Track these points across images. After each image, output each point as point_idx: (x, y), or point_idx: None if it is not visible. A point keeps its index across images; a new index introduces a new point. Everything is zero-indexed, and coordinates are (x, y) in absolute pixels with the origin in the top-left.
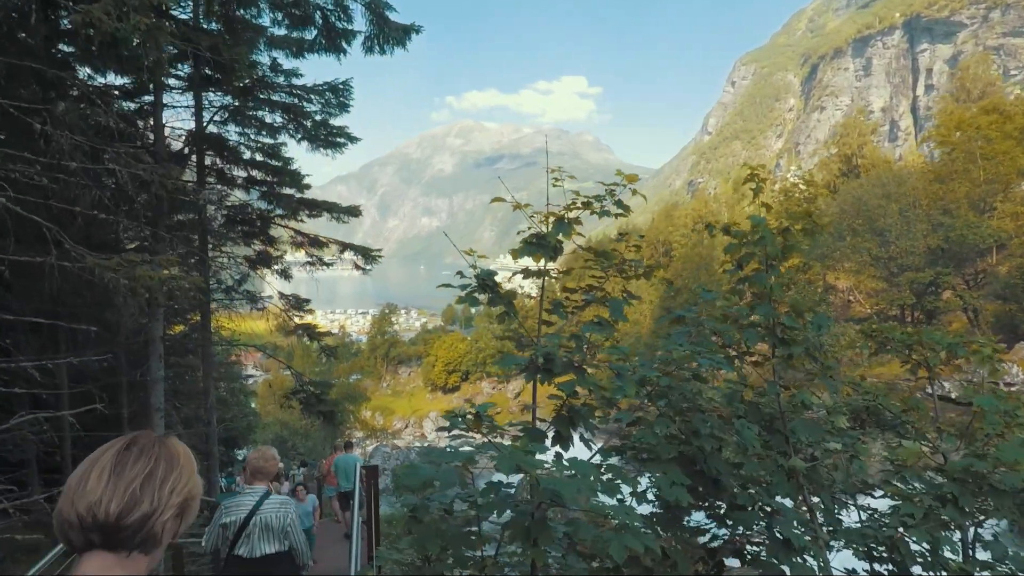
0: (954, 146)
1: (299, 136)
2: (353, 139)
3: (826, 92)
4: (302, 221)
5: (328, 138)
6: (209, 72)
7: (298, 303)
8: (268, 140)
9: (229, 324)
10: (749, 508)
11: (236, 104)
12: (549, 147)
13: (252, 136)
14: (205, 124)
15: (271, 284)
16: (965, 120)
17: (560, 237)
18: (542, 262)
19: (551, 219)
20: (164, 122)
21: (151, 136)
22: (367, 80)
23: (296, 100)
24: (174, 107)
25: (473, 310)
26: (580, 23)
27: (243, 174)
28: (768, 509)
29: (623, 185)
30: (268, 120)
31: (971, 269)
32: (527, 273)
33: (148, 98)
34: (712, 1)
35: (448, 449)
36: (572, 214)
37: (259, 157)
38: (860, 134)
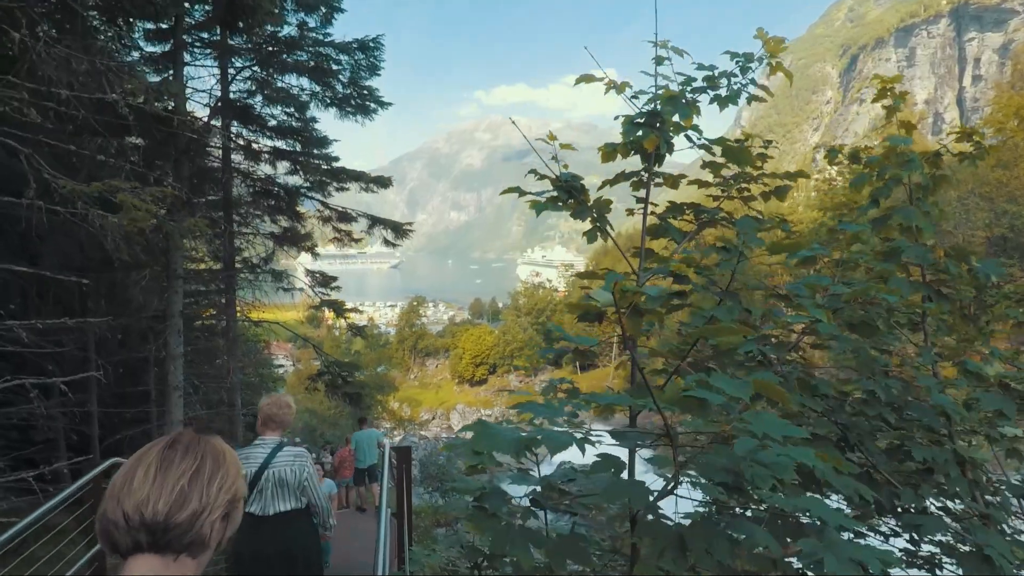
0: (1012, 134)
1: (327, 101)
2: (384, 103)
3: (866, 84)
4: (330, 195)
5: (358, 101)
6: (230, 18)
7: (325, 280)
8: (294, 112)
9: (257, 313)
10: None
11: (262, 73)
12: (578, 142)
13: (280, 108)
14: (231, 93)
15: (297, 261)
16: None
17: (677, 119)
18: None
19: (661, 97)
20: (186, 84)
21: (172, 104)
22: (397, 76)
23: (323, 61)
24: (197, 77)
25: (501, 304)
26: (608, 14)
27: (269, 144)
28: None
29: (764, 58)
30: (295, 87)
31: None
32: (620, 178)
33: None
34: None
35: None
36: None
37: (285, 121)
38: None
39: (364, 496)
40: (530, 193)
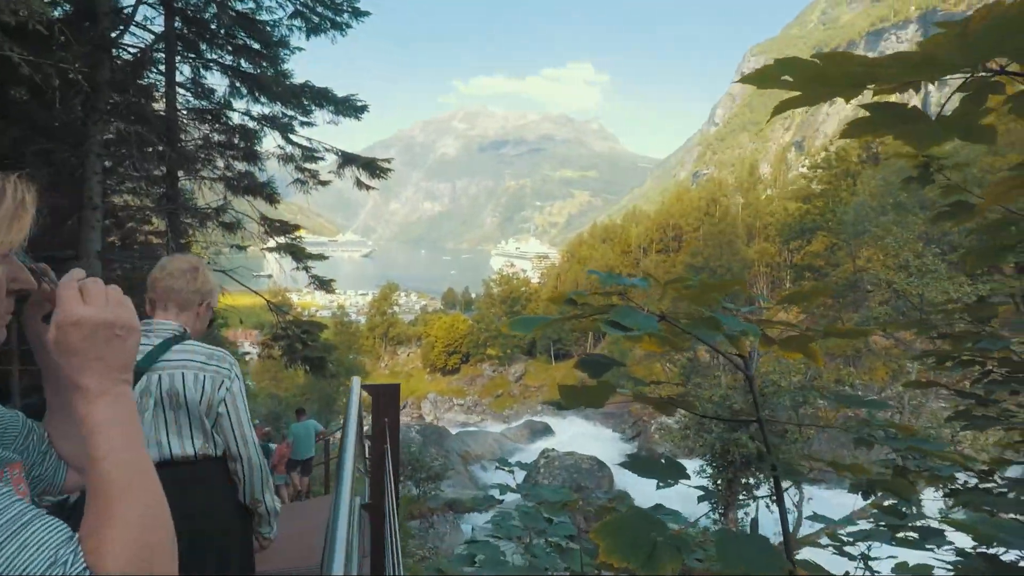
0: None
1: (293, 14)
2: (361, 13)
3: None
4: (293, 132)
5: (332, 6)
6: None
7: (285, 228)
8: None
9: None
10: None
11: None
12: (556, 135)
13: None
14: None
15: (252, 204)
16: (998, 100)
17: None
18: None
19: None
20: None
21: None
22: (373, 63)
23: None
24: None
25: (474, 294)
26: (588, 8)
27: (221, 75)
28: None
29: None
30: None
31: None
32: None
33: None
34: None
35: None
36: None
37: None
38: None
39: (298, 481)
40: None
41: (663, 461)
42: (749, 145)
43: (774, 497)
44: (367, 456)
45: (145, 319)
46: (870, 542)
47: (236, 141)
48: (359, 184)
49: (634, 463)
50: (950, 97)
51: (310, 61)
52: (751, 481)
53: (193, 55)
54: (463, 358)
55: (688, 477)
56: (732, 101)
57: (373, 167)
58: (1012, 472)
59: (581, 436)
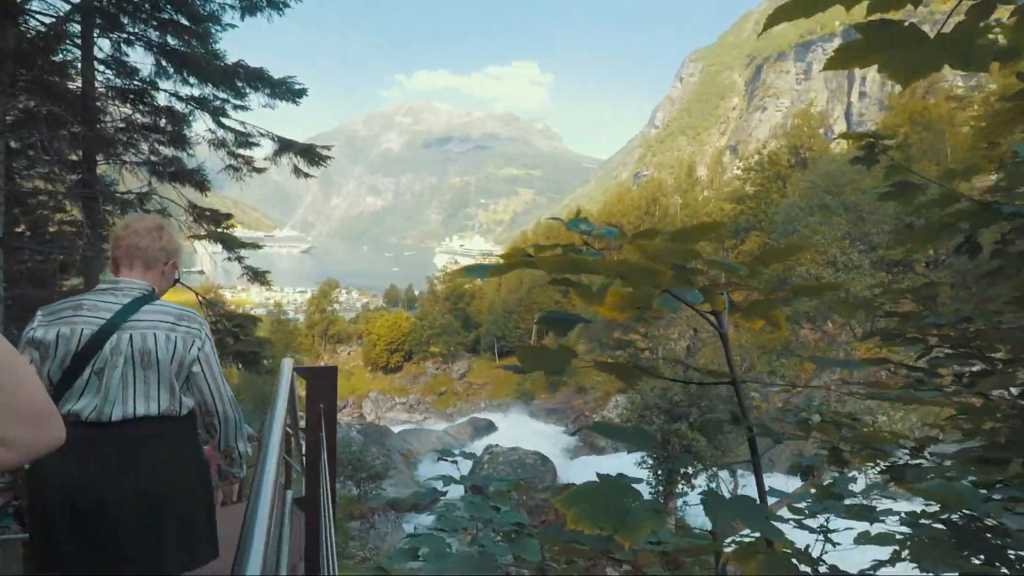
0: (909, 133)
1: None
2: None
3: (768, 93)
4: (225, 115)
5: None
6: None
7: (216, 217)
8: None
9: None
10: None
11: None
12: (499, 132)
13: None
14: None
15: (180, 192)
16: (918, 110)
17: None
18: None
19: None
20: None
21: None
22: (314, 51)
23: None
24: None
25: (417, 291)
26: (532, 8)
27: (145, 52)
28: None
29: None
30: None
31: (947, 247)
32: None
33: None
34: None
35: None
36: None
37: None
38: (810, 126)
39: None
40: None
41: (631, 428)
42: (687, 148)
43: (712, 485)
44: (303, 451)
45: (110, 280)
46: (828, 515)
47: (162, 124)
48: (297, 172)
49: (603, 427)
50: (951, 12)
51: (244, 49)
52: (689, 470)
53: (114, 29)
54: (406, 356)
55: (655, 446)
56: (671, 105)
57: (312, 154)
58: (949, 448)
59: (524, 432)
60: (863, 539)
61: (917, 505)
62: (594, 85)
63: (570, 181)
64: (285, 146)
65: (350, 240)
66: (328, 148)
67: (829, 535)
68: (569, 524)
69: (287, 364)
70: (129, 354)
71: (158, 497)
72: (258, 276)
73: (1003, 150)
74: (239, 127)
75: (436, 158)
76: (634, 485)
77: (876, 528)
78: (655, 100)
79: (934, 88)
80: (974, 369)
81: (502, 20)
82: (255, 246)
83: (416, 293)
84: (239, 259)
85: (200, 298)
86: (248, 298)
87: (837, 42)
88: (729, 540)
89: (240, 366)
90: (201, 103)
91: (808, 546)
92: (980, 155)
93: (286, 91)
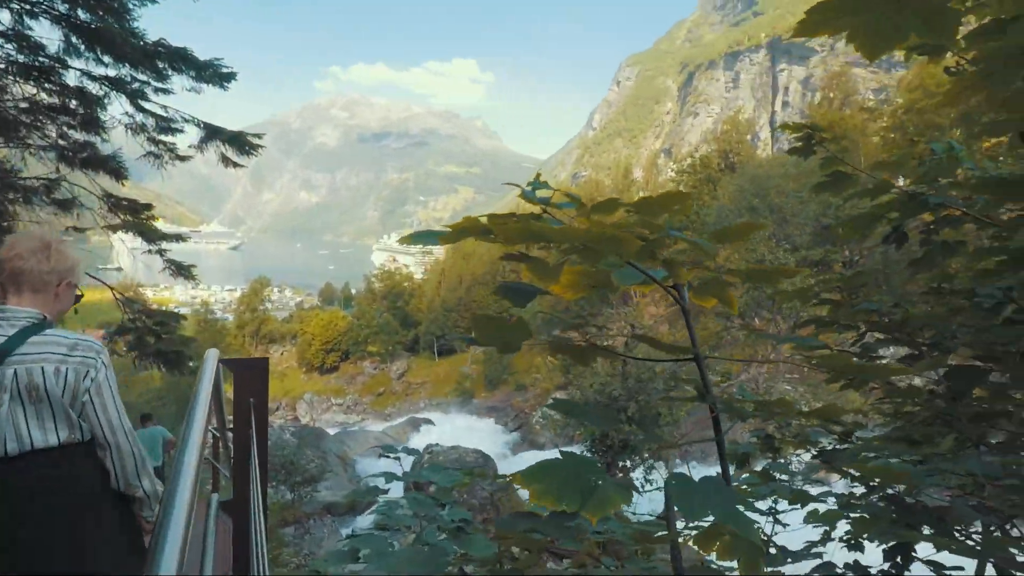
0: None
1: None
2: None
3: (700, 99)
4: (145, 98)
5: None
6: None
7: (134, 208)
8: None
9: None
10: None
11: None
12: (440, 130)
13: None
14: None
15: (94, 181)
16: (835, 120)
17: None
18: None
19: None
20: None
21: None
22: (244, 39)
23: None
24: None
25: (354, 290)
26: (472, 5)
27: (52, 25)
28: None
29: None
30: None
31: (860, 249)
32: None
33: None
34: (605, 1)
35: None
36: None
37: None
38: (738, 132)
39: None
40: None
41: (591, 406)
42: (624, 150)
43: (649, 477)
44: (231, 454)
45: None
46: (775, 497)
47: (73, 105)
48: (225, 161)
49: (561, 404)
50: None
51: (165, 33)
52: (628, 463)
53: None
54: (342, 356)
55: (619, 423)
56: (609, 107)
57: (242, 142)
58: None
59: (465, 430)
60: (812, 518)
61: (842, 488)
62: (534, 85)
63: (508, 179)
64: (212, 133)
65: (283, 236)
66: (260, 136)
67: (777, 516)
68: (531, 500)
69: (212, 354)
70: (15, 390)
71: (47, 542)
72: (182, 271)
73: (921, 148)
74: (160, 112)
75: (373, 153)
76: None
77: (814, 507)
78: (593, 102)
79: (848, 100)
80: (903, 354)
81: (441, 16)
82: (179, 238)
83: (353, 291)
84: (160, 252)
85: (117, 296)
86: (172, 296)
87: (762, 53)
88: (683, 526)
89: (162, 367)
90: (117, 84)
91: (759, 526)
92: (902, 152)
93: (213, 75)
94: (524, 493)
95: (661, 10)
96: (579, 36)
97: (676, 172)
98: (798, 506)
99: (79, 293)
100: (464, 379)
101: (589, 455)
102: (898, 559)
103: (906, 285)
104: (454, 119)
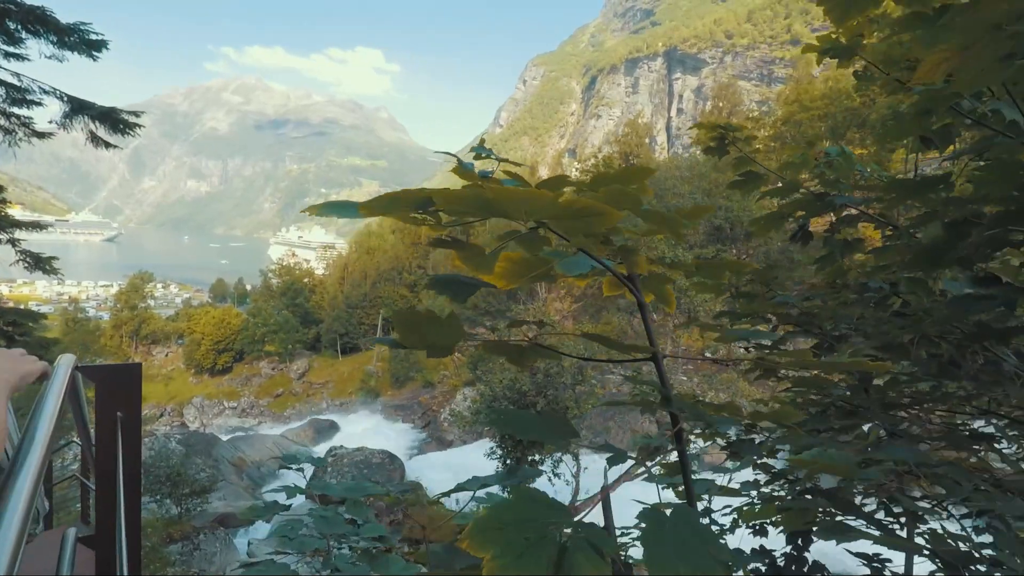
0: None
1: None
2: None
3: (602, 102)
4: None
5: None
6: None
7: None
8: None
9: None
10: None
11: None
12: (343, 120)
13: None
14: None
15: None
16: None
17: None
18: None
19: None
20: None
21: None
22: (121, 9)
23: None
24: None
25: (250, 286)
26: None
27: None
28: None
29: None
30: None
31: (747, 248)
32: None
33: None
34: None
35: None
36: None
37: None
38: (638, 135)
39: None
40: None
41: (543, 417)
42: (530, 148)
43: (556, 470)
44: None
45: None
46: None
47: None
48: (95, 140)
49: (508, 415)
50: None
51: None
52: (537, 458)
53: None
54: (236, 356)
55: (576, 435)
56: (515, 106)
57: (115, 120)
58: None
59: (370, 431)
60: (748, 517)
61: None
62: (441, 78)
63: (416, 173)
64: (78, 107)
65: (167, 228)
66: (138, 115)
67: (711, 514)
68: (485, 571)
69: (65, 360)
70: None
71: None
72: (40, 263)
73: (817, 150)
74: (12, 80)
75: (270, 142)
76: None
77: (739, 503)
78: (500, 99)
79: (735, 111)
80: (812, 344)
81: (344, 1)
82: (37, 225)
83: (248, 288)
84: (13, 242)
85: None
86: (33, 293)
87: (659, 61)
88: (620, 529)
89: None
90: None
91: None
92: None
93: (79, 41)
94: (433, 488)
95: (566, 12)
96: (486, 33)
97: (580, 172)
98: (737, 499)
99: None
100: (369, 378)
101: (499, 451)
102: (799, 541)
103: (810, 281)
104: (358, 110)
